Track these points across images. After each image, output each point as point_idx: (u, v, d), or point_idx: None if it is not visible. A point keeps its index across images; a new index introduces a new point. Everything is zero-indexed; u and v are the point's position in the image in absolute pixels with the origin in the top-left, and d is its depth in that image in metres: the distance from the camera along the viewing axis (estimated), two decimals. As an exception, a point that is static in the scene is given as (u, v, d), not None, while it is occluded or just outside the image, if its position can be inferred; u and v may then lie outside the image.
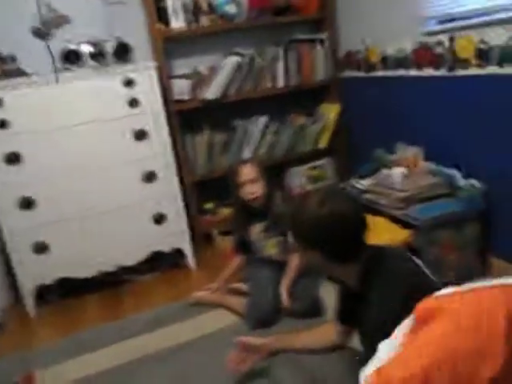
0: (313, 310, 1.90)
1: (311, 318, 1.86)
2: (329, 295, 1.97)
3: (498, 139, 1.88)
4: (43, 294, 2.39)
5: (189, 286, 2.39)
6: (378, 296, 1.04)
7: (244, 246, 2.12)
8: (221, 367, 1.60)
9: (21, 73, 2.22)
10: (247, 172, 1.96)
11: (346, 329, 1.40)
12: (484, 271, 2.05)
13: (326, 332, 1.47)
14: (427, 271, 1.13)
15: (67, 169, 2.23)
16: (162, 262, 2.63)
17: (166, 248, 2.51)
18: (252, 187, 1.94)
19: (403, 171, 2.15)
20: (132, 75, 2.26)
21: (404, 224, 1.98)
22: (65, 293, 2.44)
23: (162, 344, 1.88)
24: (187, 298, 2.19)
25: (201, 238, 2.82)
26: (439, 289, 1.10)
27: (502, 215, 1.96)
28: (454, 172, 2.03)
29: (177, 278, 2.53)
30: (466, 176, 2.00)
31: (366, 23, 2.61)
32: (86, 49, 2.26)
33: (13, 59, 2.24)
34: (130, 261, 2.43)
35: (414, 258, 1.17)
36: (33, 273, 2.27)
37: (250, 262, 2.14)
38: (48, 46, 2.29)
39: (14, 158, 2.12)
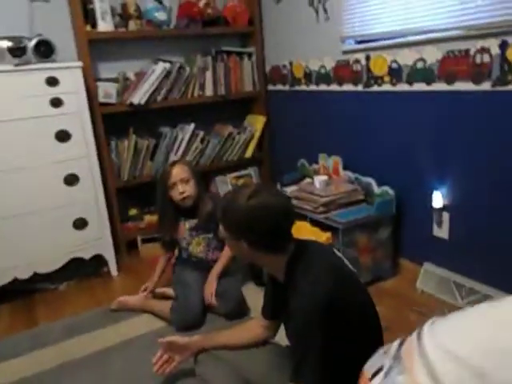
0: (237, 311, 1.94)
1: (236, 319, 1.90)
2: (251, 296, 2.04)
3: (408, 150, 2.09)
4: None
5: (109, 294, 2.31)
6: (303, 286, 1.10)
7: (170, 243, 2.12)
8: (145, 371, 1.57)
9: None
10: (179, 172, 1.97)
11: (272, 324, 1.45)
12: (394, 271, 2.24)
13: (251, 328, 1.50)
14: (348, 264, 1.22)
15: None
16: (80, 270, 2.50)
17: (86, 255, 2.40)
18: (183, 187, 1.95)
19: (324, 179, 2.29)
20: (56, 74, 2.17)
21: (325, 227, 2.10)
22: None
23: (79, 352, 1.80)
24: (108, 305, 2.12)
25: (123, 245, 2.75)
26: (359, 282, 1.21)
27: (409, 220, 2.17)
28: (370, 180, 2.21)
29: (96, 286, 2.42)
30: (380, 184, 2.19)
31: (291, 40, 2.77)
32: (4, 44, 2.14)
33: None
34: (47, 267, 2.29)
35: (336, 251, 1.26)
36: None
37: (175, 265, 2.14)
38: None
39: None
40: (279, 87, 2.99)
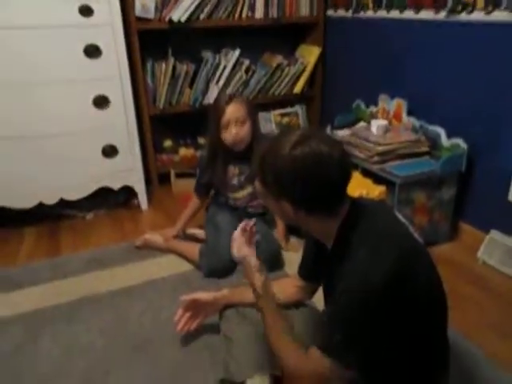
0: (271, 263, 1.75)
1: (270, 271, 1.72)
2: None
3: (493, 100, 1.72)
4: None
5: (137, 228, 2.20)
6: (359, 260, 0.87)
7: (207, 188, 1.92)
8: (166, 317, 1.48)
9: None
10: (235, 110, 1.70)
11: (309, 285, 1.26)
12: (452, 236, 1.96)
13: (284, 286, 1.32)
14: (414, 233, 0.97)
15: (6, 80, 1.89)
16: (109, 200, 2.38)
17: (115, 185, 2.26)
18: (237, 128, 1.71)
19: (384, 124, 1.97)
20: (86, -24, 1.90)
21: (379, 180, 1.83)
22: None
23: (99, 288, 1.70)
24: (134, 240, 1.99)
25: (155, 178, 2.59)
26: (428, 257, 0.96)
27: (480, 180, 1.85)
28: (439, 130, 1.88)
29: (124, 218, 2.30)
30: (450, 135, 1.85)
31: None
32: None
33: None
34: (74, 195, 2.17)
35: (400, 217, 1.00)
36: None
37: (210, 205, 1.95)
38: None
39: None
40: (340, 13, 2.58)
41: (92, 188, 2.19)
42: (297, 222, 1.01)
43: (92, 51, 1.98)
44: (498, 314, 1.54)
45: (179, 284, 1.71)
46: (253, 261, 1.13)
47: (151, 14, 2.33)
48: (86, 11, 1.91)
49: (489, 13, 1.65)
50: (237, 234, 1.16)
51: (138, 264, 1.86)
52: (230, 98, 1.76)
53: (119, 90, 2.10)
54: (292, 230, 1.99)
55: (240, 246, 1.14)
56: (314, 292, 1.29)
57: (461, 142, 1.80)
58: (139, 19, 2.29)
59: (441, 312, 0.99)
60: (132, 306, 1.59)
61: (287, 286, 1.32)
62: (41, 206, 2.13)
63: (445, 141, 1.85)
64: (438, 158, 1.82)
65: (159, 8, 2.35)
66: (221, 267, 1.73)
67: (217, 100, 1.93)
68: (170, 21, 2.34)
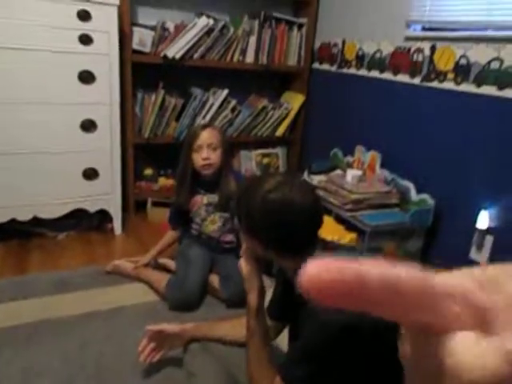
0: (240, 299, 1.76)
1: (236, 307, 1.74)
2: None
3: (459, 160, 1.86)
4: None
5: (108, 253, 2.19)
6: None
7: (180, 218, 1.94)
8: (128, 346, 1.45)
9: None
10: (208, 136, 1.78)
11: (276, 324, 1.29)
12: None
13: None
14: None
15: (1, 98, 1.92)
16: (83, 222, 2.37)
17: (91, 207, 2.26)
18: (209, 153, 1.77)
19: (358, 174, 2.08)
20: (89, 8, 1.98)
21: (350, 227, 1.91)
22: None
23: (63, 311, 1.67)
24: (105, 265, 1.98)
25: (132, 204, 2.60)
26: None
27: (445, 236, 1.96)
28: (409, 184, 1.99)
29: (97, 242, 2.29)
30: (419, 190, 1.97)
31: (348, 17, 2.52)
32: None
33: None
34: (49, 213, 2.15)
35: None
36: None
37: (183, 238, 1.98)
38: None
39: None
40: (325, 67, 2.75)
41: (68, 208, 2.19)
42: (266, 258, 1.06)
43: (86, 77, 2.04)
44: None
45: (144, 314, 1.70)
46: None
47: (147, 48, 2.43)
48: (86, 40, 1.99)
49: (458, 84, 1.81)
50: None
51: (105, 289, 1.85)
52: (206, 125, 1.87)
53: (108, 116, 2.15)
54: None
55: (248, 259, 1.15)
56: (279, 332, 1.32)
57: (428, 198, 1.91)
58: (135, 51, 2.38)
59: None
60: (95, 332, 1.57)
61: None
62: (12, 222, 2.11)
63: (414, 195, 1.97)
64: (406, 211, 1.93)
65: (155, 43, 2.45)
66: (187, 301, 1.74)
67: (193, 127, 2.00)
68: (165, 56, 2.44)
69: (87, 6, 1.98)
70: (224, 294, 1.78)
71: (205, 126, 1.85)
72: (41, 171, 2.08)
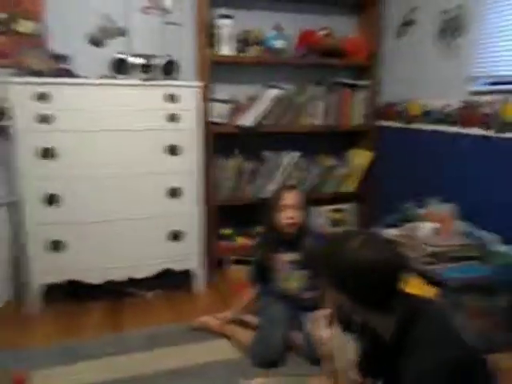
0: (324, 357, 1.80)
1: (320, 365, 1.77)
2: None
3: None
4: (47, 294, 2.32)
5: (193, 310, 2.32)
6: (421, 350, 0.96)
7: (260, 275, 2.05)
8: None
9: (71, 74, 2.27)
10: (292, 197, 1.94)
11: (365, 381, 1.31)
12: (510, 347, 1.92)
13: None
14: (465, 336, 1.05)
15: (97, 172, 2.23)
16: (168, 281, 2.56)
17: (177, 267, 2.45)
18: (293, 212, 1.90)
19: (433, 226, 2.08)
20: (176, 91, 2.28)
21: (428, 281, 1.89)
22: (69, 297, 2.39)
23: (156, 366, 1.80)
24: (190, 321, 2.12)
25: (213, 264, 2.76)
26: (483, 360, 1.03)
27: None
28: (489, 236, 1.96)
29: (182, 300, 2.45)
30: (501, 242, 1.92)
31: (411, 76, 2.62)
32: (136, 60, 2.31)
33: (66, 59, 2.29)
34: (141, 274, 2.37)
35: (454, 319, 1.10)
36: (45, 270, 2.23)
37: (265, 295, 2.06)
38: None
39: (50, 153, 2.13)
40: (391, 123, 2.84)
41: (157, 269, 2.39)
42: (353, 315, 1.12)
43: (174, 149, 2.31)
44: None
45: (232, 370, 1.78)
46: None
47: (224, 119, 2.69)
48: (173, 119, 2.27)
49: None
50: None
51: (193, 345, 1.97)
52: (291, 186, 2.04)
53: (193, 182, 2.39)
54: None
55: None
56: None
57: (512, 250, 1.86)
58: (213, 123, 2.65)
59: None
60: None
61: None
62: (109, 282, 2.34)
63: (496, 247, 1.92)
64: (487, 263, 1.88)
65: (231, 115, 2.71)
66: (272, 357, 1.79)
67: (278, 188, 2.16)
68: (239, 126, 2.68)
69: (175, 90, 2.28)
70: (307, 352, 1.81)
71: (289, 188, 2.02)
72: (135, 235, 2.33)
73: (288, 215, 1.90)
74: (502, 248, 1.91)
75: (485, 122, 2.07)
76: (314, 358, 1.79)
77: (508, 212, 1.98)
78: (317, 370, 1.71)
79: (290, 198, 1.93)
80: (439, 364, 0.92)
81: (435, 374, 0.93)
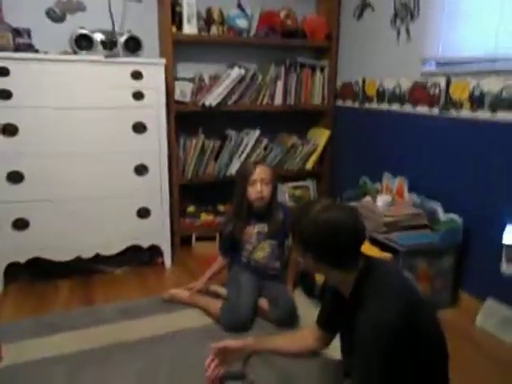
0: (288, 320, 1.93)
1: (285, 327, 1.90)
2: (301, 306, 2.04)
3: (482, 181, 2.02)
4: (12, 272, 2.31)
5: (162, 284, 2.39)
6: (371, 309, 1.08)
7: (230, 246, 2.14)
8: (193, 365, 1.62)
9: (32, 49, 2.22)
10: (262, 171, 2.02)
11: (326, 334, 1.43)
12: (452, 303, 2.14)
13: (303, 336, 1.50)
14: (417, 287, 1.20)
15: (62, 149, 2.21)
16: (136, 257, 2.60)
17: (144, 243, 2.49)
18: (262, 187, 1.99)
19: (388, 199, 2.25)
20: (141, 68, 2.29)
21: (384, 248, 2.06)
22: (34, 274, 2.38)
23: (131, 335, 1.87)
24: (160, 294, 2.19)
25: (178, 240, 2.82)
26: (432, 311, 1.18)
27: (475, 252, 2.08)
28: (436, 205, 2.15)
29: (150, 275, 2.50)
30: (447, 210, 2.12)
31: (367, 57, 2.76)
32: (98, 37, 2.29)
33: (28, 34, 2.23)
34: (109, 251, 2.40)
35: (406, 274, 1.24)
36: (8, 249, 2.21)
37: (232, 265, 2.16)
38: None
39: (10, 130, 2.09)
40: (348, 103, 2.98)
41: (125, 245, 2.43)
42: (318, 272, 1.24)
43: (139, 127, 2.32)
44: (496, 380, 1.66)
45: (203, 335, 1.87)
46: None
47: (187, 99, 2.72)
48: (138, 96, 2.28)
49: (474, 111, 2.00)
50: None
51: (165, 316, 2.04)
52: (259, 161, 2.11)
53: (157, 160, 2.42)
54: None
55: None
56: (329, 342, 1.46)
57: (456, 218, 2.06)
58: (177, 102, 2.67)
59: (442, 359, 1.18)
60: (162, 354, 1.74)
61: (304, 337, 1.50)
62: (77, 260, 2.35)
63: (442, 215, 2.12)
64: (435, 231, 2.08)
65: (194, 94, 2.75)
66: (240, 323, 1.90)
67: (246, 163, 2.24)
68: (203, 105, 2.72)
69: (139, 67, 2.28)
70: (273, 316, 1.94)
71: (257, 163, 2.09)
72: (102, 213, 2.35)
73: (257, 189, 1.99)
74: (446, 215, 2.10)
75: (431, 101, 2.24)
76: (279, 321, 1.92)
77: (449, 183, 2.18)
78: (282, 331, 1.84)
79: (259, 172, 2.01)
80: (386, 317, 1.05)
81: (386, 324, 1.05)
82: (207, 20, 2.78)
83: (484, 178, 2.01)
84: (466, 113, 2.05)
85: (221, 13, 2.81)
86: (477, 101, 1.99)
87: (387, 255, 2.00)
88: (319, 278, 2.09)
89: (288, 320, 1.92)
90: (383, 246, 2.06)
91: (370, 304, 1.10)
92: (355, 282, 1.18)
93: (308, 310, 2.01)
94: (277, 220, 2.06)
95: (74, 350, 1.75)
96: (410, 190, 2.35)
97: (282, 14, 2.94)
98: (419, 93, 2.33)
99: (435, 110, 2.23)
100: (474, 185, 2.05)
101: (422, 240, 2.04)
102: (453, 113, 2.12)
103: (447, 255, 2.05)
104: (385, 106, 2.61)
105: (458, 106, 2.09)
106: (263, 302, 2.00)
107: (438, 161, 2.25)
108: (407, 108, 2.43)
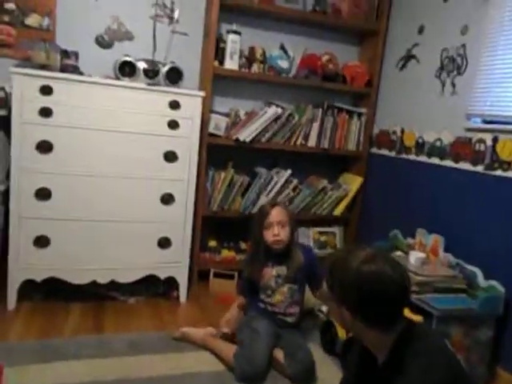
0: (306, 376, 1.79)
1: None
2: (319, 363, 1.89)
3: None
4: (26, 290, 2.24)
5: (175, 319, 2.29)
6: (413, 372, 0.96)
7: (249, 289, 2.04)
8: None
9: (77, 71, 2.26)
10: (278, 214, 1.95)
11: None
12: (489, 380, 1.95)
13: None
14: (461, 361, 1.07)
15: (91, 171, 2.20)
16: (151, 288, 2.51)
17: (162, 274, 2.41)
18: (279, 229, 1.92)
19: (422, 256, 2.11)
20: (179, 98, 2.29)
21: (413, 310, 1.91)
22: (48, 294, 2.31)
23: (137, 372, 1.76)
24: (172, 330, 2.08)
25: (196, 274, 2.73)
26: (471, 378, 1.04)
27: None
28: (475, 269, 2.00)
29: (164, 308, 2.40)
30: (487, 276, 1.97)
31: (407, 108, 2.70)
32: (141, 65, 2.31)
33: (76, 57, 2.28)
34: (125, 278, 2.32)
35: (447, 342, 1.11)
36: (26, 265, 2.16)
37: (248, 310, 2.05)
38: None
39: (45, 147, 2.10)
40: (384, 152, 2.90)
41: (142, 274, 2.35)
42: (353, 330, 1.12)
43: (170, 156, 2.30)
44: None
45: (214, 382, 1.75)
46: None
47: (221, 132, 2.70)
48: (173, 125, 2.27)
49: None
50: None
51: (175, 355, 1.93)
52: (275, 204, 2.04)
53: (185, 191, 2.37)
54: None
55: None
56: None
57: (498, 285, 1.90)
58: (210, 135, 2.65)
59: None
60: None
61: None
62: (92, 284, 2.28)
63: (482, 281, 1.96)
64: (473, 297, 1.92)
65: (229, 128, 2.73)
66: (255, 374, 1.77)
67: (263, 205, 2.18)
68: (236, 139, 2.69)
69: (178, 97, 2.29)
70: (289, 370, 1.80)
71: (274, 205, 2.02)
72: (122, 239, 2.29)
73: (274, 232, 1.92)
74: (486, 282, 1.95)
75: (475, 157, 2.14)
76: (295, 377, 1.77)
77: (492, 247, 2.03)
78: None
79: (274, 214, 1.95)
80: (433, 379, 0.93)
81: None
82: (249, 58, 2.80)
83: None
84: (512, 173, 1.94)
85: (263, 52, 2.83)
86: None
87: (418, 318, 1.84)
88: (342, 334, 1.95)
89: (305, 377, 1.78)
90: (414, 308, 1.91)
91: (413, 369, 0.98)
92: (394, 345, 1.06)
93: (327, 368, 1.87)
94: (297, 262, 1.97)
95: (76, 382, 1.66)
96: (446, 250, 2.21)
97: (324, 59, 2.94)
98: (462, 148, 2.23)
99: (479, 168, 2.12)
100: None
101: (459, 305, 1.88)
102: (499, 172, 2.01)
103: (486, 325, 1.88)
104: (423, 158, 2.52)
105: (504, 164, 1.98)
106: (279, 354, 1.87)
107: (480, 221, 2.12)
108: (448, 163, 2.33)
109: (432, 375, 0.94)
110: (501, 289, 1.89)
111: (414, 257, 2.11)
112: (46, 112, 2.08)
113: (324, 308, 2.20)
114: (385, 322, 1.05)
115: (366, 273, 1.03)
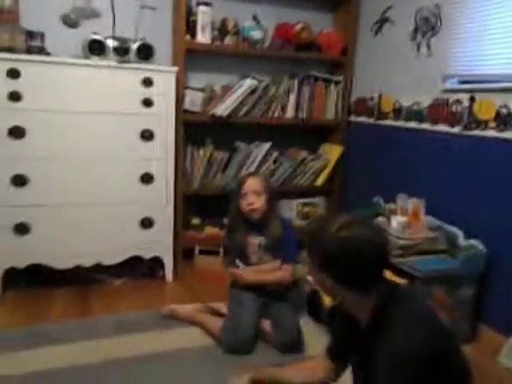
0: (293, 344, 1.81)
1: (289, 353, 1.78)
2: (306, 331, 1.92)
3: (505, 203, 1.90)
4: (10, 277, 2.22)
5: (162, 298, 2.30)
6: (396, 334, 0.97)
7: (234, 259, 2.04)
8: None
9: (44, 52, 2.17)
10: (253, 183, 1.96)
11: (337, 365, 1.31)
12: (471, 337, 2.00)
13: (313, 368, 1.37)
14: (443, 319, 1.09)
15: (68, 154, 2.15)
16: (137, 269, 2.50)
17: (146, 254, 2.40)
18: (253, 198, 1.92)
19: (404, 220, 2.13)
20: (152, 75, 2.23)
21: (396, 273, 1.94)
22: (33, 281, 2.29)
23: (126, 352, 1.76)
24: (159, 309, 2.08)
25: (180, 252, 2.71)
26: (458, 342, 1.06)
27: (499, 283, 1.94)
28: (456, 230, 2.03)
29: (150, 288, 2.40)
30: (468, 236, 2.00)
31: (384, 73, 2.68)
32: (111, 43, 2.23)
33: (41, 37, 2.19)
34: (110, 260, 2.31)
35: (429, 301, 1.13)
36: (8, 253, 2.14)
37: (235, 283, 2.05)
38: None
39: (17, 133, 2.04)
40: (362, 119, 2.89)
41: (126, 255, 2.34)
42: (334, 295, 1.13)
43: (146, 135, 2.25)
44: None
45: (201, 357, 1.77)
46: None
47: (197, 108, 2.64)
48: (148, 103, 2.22)
49: (501, 131, 1.90)
50: None
51: (163, 332, 1.93)
52: (251, 173, 2.05)
53: (163, 169, 2.34)
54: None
55: None
56: (341, 372, 1.34)
57: (478, 244, 1.93)
58: (186, 111, 2.60)
59: None
60: (158, 373, 1.64)
61: (314, 368, 1.37)
62: (76, 268, 2.25)
63: (462, 241, 1.99)
64: (455, 257, 1.95)
65: (205, 104, 2.67)
66: (242, 345, 1.79)
67: (241, 176, 2.16)
68: (213, 115, 2.64)
69: (150, 74, 2.22)
70: (277, 339, 1.82)
71: (249, 175, 2.05)
72: (104, 221, 2.26)
73: (249, 201, 1.93)
74: (467, 241, 1.98)
75: (453, 119, 2.14)
76: (283, 346, 1.80)
77: (472, 207, 2.06)
78: (287, 359, 1.72)
79: (249, 184, 1.96)
80: (414, 345, 0.94)
81: (410, 356, 0.94)
82: (221, 31, 2.72)
83: (510, 202, 1.89)
84: (491, 132, 1.95)
85: (236, 24, 2.75)
86: (503, 120, 1.88)
87: (401, 281, 1.87)
88: (327, 302, 1.97)
89: (293, 345, 1.80)
90: (397, 271, 1.94)
91: (395, 331, 0.99)
92: (375, 308, 1.06)
93: (314, 336, 1.89)
94: (274, 232, 1.97)
95: (67, 365, 1.65)
96: (427, 212, 2.23)
97: (298, 27, 2.87)
98: (439, 110, 2.23)
99: (457, 129, 2.13)
100: (498, 209, 1.94)
101: (441, 266, 1.91)
102: (477, 132, 2.02)
103: (467, 284, 1.92)
104: (401, 123, 2.52)
105: (482, 124, 1.99)
106: (266, 324, 1.89)
107: (459, 182, 2.14)
108: (426, 126, 2.33)
109: (415, 336, 0.95)
110: (481, 247, 1.92)
111: (396, 221, 2.13)
112: (15, 96, 2.02)
113: (310, 277, 2.21)
114: (365, 285, 1.05)
115: (346, 237, 1.03)
